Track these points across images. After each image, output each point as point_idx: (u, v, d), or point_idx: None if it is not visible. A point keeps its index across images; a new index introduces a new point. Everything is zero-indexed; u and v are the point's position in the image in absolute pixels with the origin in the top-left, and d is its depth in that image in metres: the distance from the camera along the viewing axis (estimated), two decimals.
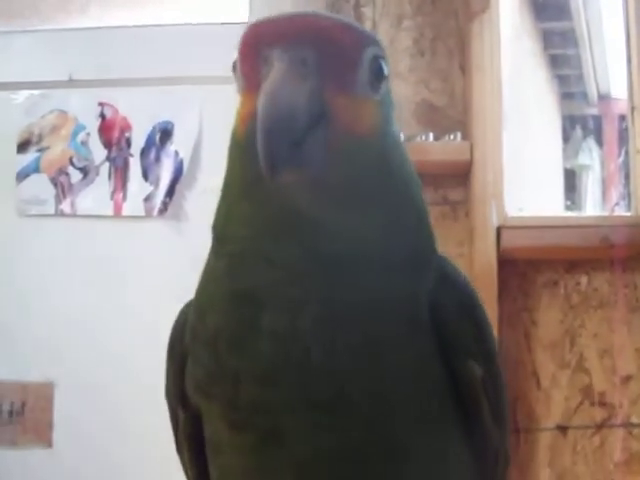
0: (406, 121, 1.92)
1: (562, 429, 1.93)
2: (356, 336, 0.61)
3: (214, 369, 0.64)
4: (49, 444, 2.15)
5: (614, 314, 1.96)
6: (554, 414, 1.94)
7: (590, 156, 4.69)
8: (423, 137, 1.88)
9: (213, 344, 0.64)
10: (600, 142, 4.57)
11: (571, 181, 4.67)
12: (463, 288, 0.71)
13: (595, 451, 1.90)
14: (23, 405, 2.15)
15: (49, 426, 2.15)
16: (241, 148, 0.61)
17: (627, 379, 1.95)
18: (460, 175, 1.93)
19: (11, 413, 2.15)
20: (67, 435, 2.15)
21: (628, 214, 2.05)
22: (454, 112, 1.99)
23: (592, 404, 1.94)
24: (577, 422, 1.94)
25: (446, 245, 1.94)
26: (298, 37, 0.57)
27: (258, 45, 0.58)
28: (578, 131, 4.93)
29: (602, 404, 1.94)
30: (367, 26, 2.05)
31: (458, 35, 2.03)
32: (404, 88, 2.01)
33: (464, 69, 2.00)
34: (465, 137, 1.93)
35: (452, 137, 1.92)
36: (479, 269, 1.89)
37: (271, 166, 0.56)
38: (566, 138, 4.80)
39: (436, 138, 1.89)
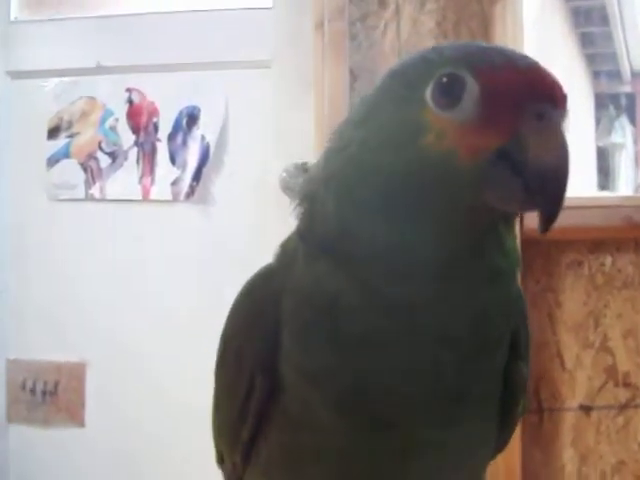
0: None
1: (586, 409, 1.94)
2: (480, 347, 0.66)
3: (333, 362, 0.65)
4: (82, 423, 2.19)
5: (638, 294, 1.96)
6: (578, 394, 1.95)
7: (623, 134, 4.64)
8: None
9: (347, 342, 0.64)
10: (633, 120, 4.52)
11: (604, 160, 4.63)
12: (522, 294, 0.77)
13: (619, 431, 1.91)
14: (56, 385, 2.20)
15: (81, 405, 2.19)
16: (462, 175, 0.61)
17: None
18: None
19: (44, 393, 2.20)
20: (99, 414, 2.19)
21: None
22: None
23: (616, 384, 1.95)
24: (601, 402, 1.94)
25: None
26: (562, 97, 0.62)
27: (525, 95, 0.60)
28: (611, 109, 4.88)
29: (626, 384, 1.94)
30: (391, 10, 2.05)
31: (481, 18, 2.03)
32: None
33: None
34: None
35: None
36: None
37: (551, 222, 0.61)
38: (598, 117, 4.76)
39: None
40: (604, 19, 4.27)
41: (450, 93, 0.62)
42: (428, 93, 0.62)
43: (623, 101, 4.72)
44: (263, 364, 0.68)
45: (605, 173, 4.44)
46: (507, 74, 0.61)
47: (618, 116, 4.63)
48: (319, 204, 0.67)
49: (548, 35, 3.72)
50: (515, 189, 0.60)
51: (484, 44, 0.68)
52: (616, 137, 4.54)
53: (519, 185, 0.60)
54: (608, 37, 4.41)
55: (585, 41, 4.61)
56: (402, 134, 0.63)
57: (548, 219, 0.61)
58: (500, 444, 0.79)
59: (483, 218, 0.63)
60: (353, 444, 0.67)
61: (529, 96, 0.60)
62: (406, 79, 0.65)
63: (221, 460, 0.82)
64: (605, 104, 4.79)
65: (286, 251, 0.72)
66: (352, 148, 0.65)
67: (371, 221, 0.63)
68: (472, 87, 0.61)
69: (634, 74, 4.50)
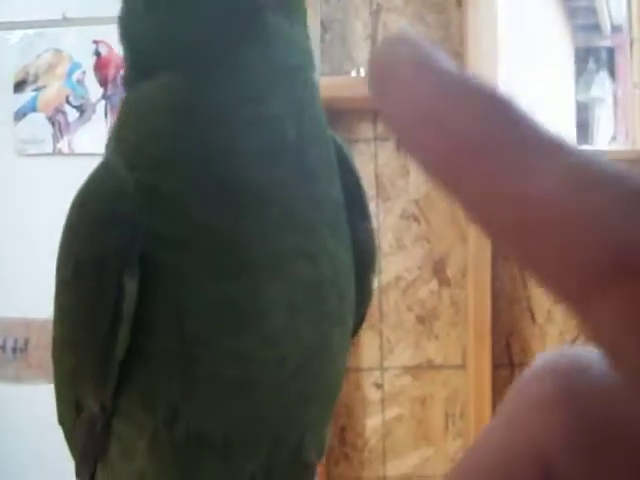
0: None
1: None
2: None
3: (203, 210, 0.62)
4: (52, 379, 2.19)
5: None
6: (549, 349, 1.95)
7: (603, 88, 4.63)
8: None
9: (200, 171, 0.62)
10: (613, 74, 4.51)
11: (583, 114, 4.62)
12: (344, 146, 0.72)
13: None
14: (26, 342, 2.19)
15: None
16: None
17: None
18: None
19: (15, 350, 2.19)
20: None
21: (626, 148, 2.04)
22: (450, 46, 1.97)
23: (587, 338, 1.95)
24: None
25: None
26: None
27: None
28: (591, 63, 4.86)
29: None
30: None
31: None
32: (399, 21, 1.99)
33: (460, 2, 1.98)
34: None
35: None
36: None
37: None
38: (579, 71, 4.75)
39: None
40: None
41: None
42: None
43: (603, 55, 4.71)
44: (129, 263, 0.63)
45: (584, 126, 4.44)
46: None
47: (598, 70, 4.62)
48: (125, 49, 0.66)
49: None
50: None
51: None
52: (596, 91, 4.55)
53: None
54: None
55: None
56: None
57: None
58: (359, 317, 0.74)
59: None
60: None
61: None
62: None
63: (74, 413, 0.71)
64: (585, 58, 4.77)
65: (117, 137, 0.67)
66: None
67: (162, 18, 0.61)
68: None
69: (614, 28, 4.48)
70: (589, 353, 0.21)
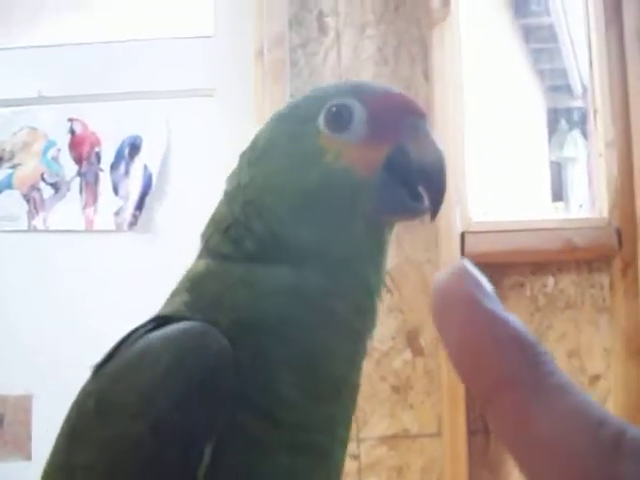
0: None
1: None
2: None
3: (295, 393, 0.68)
4: (28, 456, 2.17)
5: (581, 315, 1.98)
6: None
7: (576, 148, 4.71)
8: None
9: (301, 363, 0.69)
10: (586, 134, 4.58)
11: (557, 173, 4.69)
12: None
13: None
14: (2, 418, 2.17)
15: (28, 438, 2.17)
16: (363, 185, 0.72)
17: (596, 378, 1.98)
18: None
19: None
20: (46, 447, 2.17)
21: (592, 216, 2.07)
22: None
23: None
24: None
25: (414, 250, 1.97)
26: (425, 111, 0.76)
27: (401, 113, 0.74)
28: (563, 124, 4.94)
29: None
30: (331, 36, 2.07)
31: (421, 43, 2.05)
32: None
33: (427, 76, 2.02)
34: None
35: None
36: None
37: (438, 210, 0.73)
38: (551, 131, 4.82)
39: None
40: (553, 36, 4.34)
41: (341, 118, 0.74)
42: (321, 122, 0.74)
43: (575, 115, 4.79)
44: (211, 432, 0.65)
45: (558, 186, 4.50)
46: (387, 98, 0.76)
47: (570, 130, 4.69)
48: (242, 230, 0.73)
49: (498, 52, 3.77)
50: (401, 196, 0.73)
51: (357, 80, 0.76)
52: (568, 151, 4.62)
53: (405, 193, 0.73)
54: (558, 53, 4.48)
55: (536, 57, 4.68)
56: (305, 159, 0.73)
57: (435, 208, 0.73)
58: None
59: (378, 226, 0.74)
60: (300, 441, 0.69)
61: (405, 113, 0.75)
62: (298, 117, 0.76)
63: None
64: (557, 119, 4.85)
65: (203, 295, 0.72)
66: (258, 180, 0.74)
67: (296, 231, 0.72)
68: (360, 112, 0.74)
69: (585, 89, 4.56)
70: None
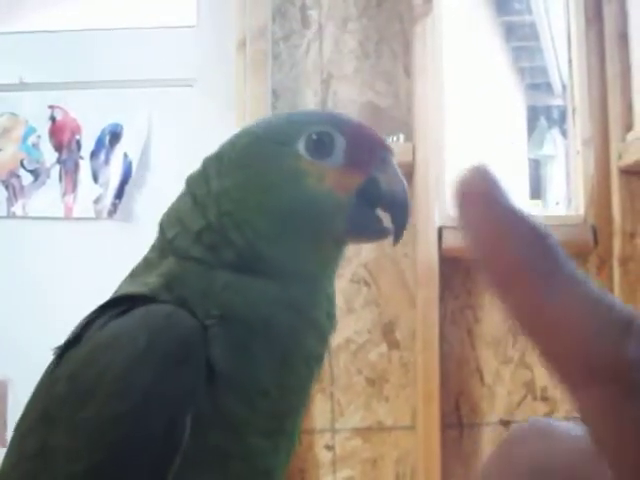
0: None
1: (505, 423, 1.97)
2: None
3: (272, 385, 0.75)
4: (4, 443, 2.17)
5: None
6: (497, 409, 1.98)
7: (555, 146, 4.74)
8: None
9: (281, 362, 0.76)
10: (565, 132, 4.61)
11: (536, 171, 4.72)
12: None
13: None
14: None
15: (3, 425, 2.17)
16: (342, 207, 0.79)
17: None
18: (403, 176, 1.96)
19: None
20: None
21: (568, 214, 2.09)
22: (398, 114, 2.02)
23: (535, 399, 1.99)
24: (520, 416, 1.98)
25: (391, 245, 1.98)
26: (390, 146, 0.84)
27: (374, 145, 0.81)
28: (542, 122, 4.97)
29: (544, 398, 1.98)
30: (313, 29, 2.07)
31: (403, 38, 2.06)
32: (349, 90, 2.04)
33: (408, 71, 2.03)
34: (408, 138, 1.96)
35: (395, 139, 1.96)
36: (422, 268, 1.93)
37: (401, 234, 0.80)
38: (531, 129, 4.85)
39: None
40: (534, 34, 4.36)
41: (323, 145, 0.80)
42: (301, 146, 0.80)
43: (555, 113, 4.82)
44: (191, 402, 0.70)
45: (537, 183, 4.53)
46: (362, 131, 0.83)
47: (549, 128, 4.72)
48: (217, 238, 0.77)
49: (480, 49, 3.79)
50: (372, 219, 0.81)
51: (331, 112, 0.81)
52: (547, 149, 4.65)
53: (374, 216, 0.81)
54: (539, 51, 4.50)
55: (517, 55, 4.70)
56: (284, 180, 0.79)
57: (400, 232, 0.80)
58: None
59: (343, 245, 0.82)
60: (273, 463, 0.77)
61: (377, 146, 0.82)
62: (274, 139, 0.81)
63: None
64: (537, 116, 4.88)
65: (170, 285, 0.76)
66: (233, 193, 0.79)
67: (277, 247, 0.78)
68: (340, 141, 0.81)
69: (565, 87, 4.58)
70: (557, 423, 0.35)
